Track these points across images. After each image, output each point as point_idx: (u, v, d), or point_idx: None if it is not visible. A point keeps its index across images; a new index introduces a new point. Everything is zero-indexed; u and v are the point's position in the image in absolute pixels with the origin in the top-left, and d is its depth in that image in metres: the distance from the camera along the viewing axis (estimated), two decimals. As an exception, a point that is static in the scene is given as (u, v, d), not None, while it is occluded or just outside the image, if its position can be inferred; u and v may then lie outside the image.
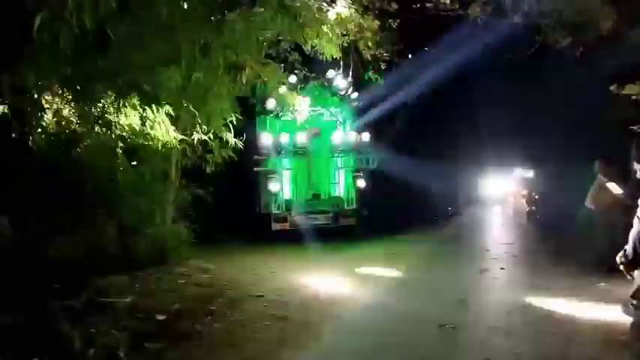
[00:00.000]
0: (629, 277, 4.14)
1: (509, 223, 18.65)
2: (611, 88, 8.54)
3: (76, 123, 6.19)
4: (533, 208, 17.43)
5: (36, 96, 5.50)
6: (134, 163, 7.65)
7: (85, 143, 6.43)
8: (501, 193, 25.49)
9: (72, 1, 4.42)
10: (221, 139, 9.48)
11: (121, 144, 7.37)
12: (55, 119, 5.82)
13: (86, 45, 5.41)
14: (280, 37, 8.23)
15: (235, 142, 9.77)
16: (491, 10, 7.63)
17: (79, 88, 6.16)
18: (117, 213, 6.96)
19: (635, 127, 8.63)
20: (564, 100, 14.65)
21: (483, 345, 5.15)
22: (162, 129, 7.98)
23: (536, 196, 16.98)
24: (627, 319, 4.65)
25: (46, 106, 6.07)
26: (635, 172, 6.00)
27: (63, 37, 4.65)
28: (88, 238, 6.47)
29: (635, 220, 3.97)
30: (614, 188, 6.70)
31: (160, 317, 5.80)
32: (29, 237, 5.93)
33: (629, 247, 3.95)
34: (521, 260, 9.90)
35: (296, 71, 9.70)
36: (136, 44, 6.23)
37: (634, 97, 8.09)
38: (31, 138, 5.40)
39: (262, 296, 7.12)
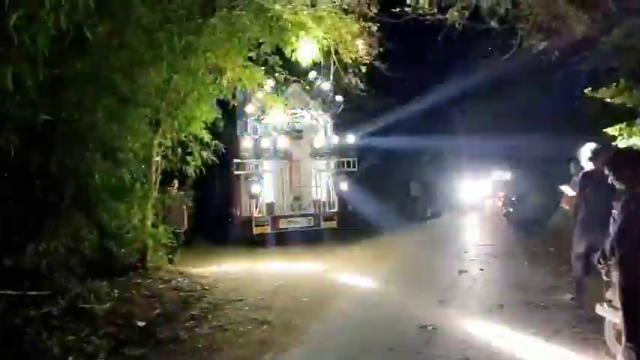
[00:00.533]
0: (605, 277, 4.23)
1: (488, 224, 18.89)
2: (586, 91, 8.72)
3: (53, 125, 6.07)
4: (510, 209, 17.69)
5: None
6: (113, 166, 7.55)
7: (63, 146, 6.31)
8: (479, 195, 25.81)
9: (49, 1, 4.37)
10: (201, 141, 9.44)
11: (99, 147, 7.27)
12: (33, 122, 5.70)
13: (63, 46, 5.33)
14: (261, 41, 8.22)
15: (216, 145, 9.73)
16: (469, 14, 7.73)
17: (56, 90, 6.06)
18: (96, 217, 6.86)
19: (608, 129, 8.83)
20: (541, 102, 14.96)
21: (464, 345, 5.22)
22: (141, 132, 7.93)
23: (514, 198, 17.21)
24: (603, 318, 4.76)
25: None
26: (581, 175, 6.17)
27: (40, 38, 4.59)
28: (67, 243, 6.36)
29: (611, 220, 4.07)
30: (567, 190, 6.90)
31: (140, 323, 5.74)
32: (7, 243, 5.81)
33: (606, 248, 4.03)
34: (498, 261, 10.04)
35: (276, 74, 9.70)
36: (115, 46, 6.17)
37: (608, 100, 8.28)
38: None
39: (243, 300, 7.10)
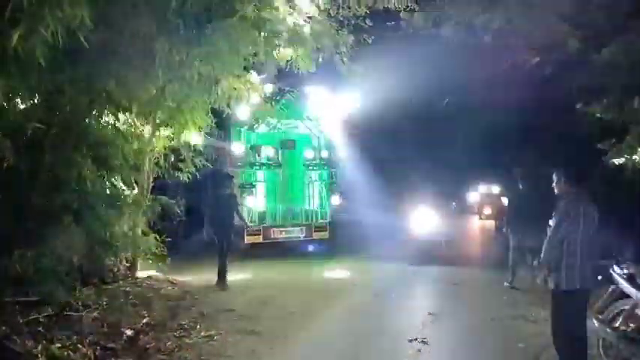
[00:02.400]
0: (538, 281, 4.44)
1: (482, 235, 18.93)
2: (578, 106, 8.83)
3: (44, 132, 6.04)
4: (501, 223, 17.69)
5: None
6: (104, 173, 7.51)
7: (54, 153, 6.27)
8: (472, 207, 25.85)
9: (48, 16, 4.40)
10: (194, 149, 9.43)
11: (90, 153, 7.25)
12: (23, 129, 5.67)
13: (57, 53, 5.32)
14: (256, 51, 8.24)
15: (208, 153, 9.72)
16: (463, 29, 7.81)
17: (49, 96, 6.03)
18: (85, 224, 6.80)
19: (599, 145, 8.93)
20: (536, 115, 15.03)
21: (453, 358, 5.22)
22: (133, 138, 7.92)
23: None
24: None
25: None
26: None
27: (39, 51, 4.60)
28: (55, 250, 6.30)
29: (548, 229, 4.25)
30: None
31: (128, 332, 5.69)
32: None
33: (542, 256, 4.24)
34: (492, 274, 10.04)
35: (271, 84, 9.71)
36: (110, 54, 6.16)
37: (598, 115, 8.38)
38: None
39: (233, 310, 7.06)
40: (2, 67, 4.65)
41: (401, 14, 7.78)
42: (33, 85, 4.91)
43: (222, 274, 8.83)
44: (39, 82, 5.03)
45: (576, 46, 7.80)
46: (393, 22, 8.06)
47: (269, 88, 10.23)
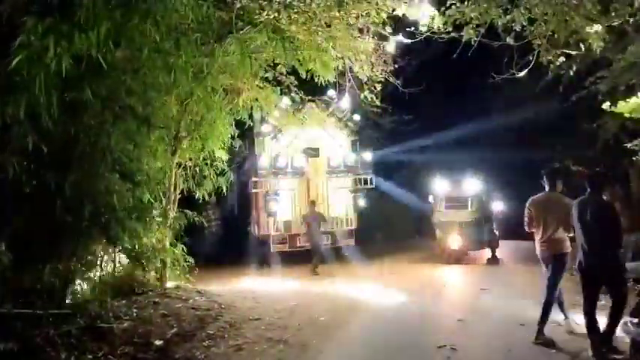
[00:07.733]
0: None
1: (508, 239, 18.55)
2: (604, 106, 8.63)
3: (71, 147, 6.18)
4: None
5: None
6: (131, 187, 7.65)
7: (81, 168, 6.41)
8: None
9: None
10: (220, 161, 9.54)
11: (117, 168, 7.38)
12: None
13: (80, 70, 5.46)
14: (276, 61, 8.33)
15: (231, 168, 9.83)
16: (485, 32, 7.71)
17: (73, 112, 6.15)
18: (114, 237, 6.94)
19: (629, 145, 8.72)
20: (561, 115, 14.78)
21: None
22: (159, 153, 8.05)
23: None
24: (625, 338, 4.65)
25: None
26: None
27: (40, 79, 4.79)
28: (85, 262, 6.44)
29: None
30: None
31: (158, 342, 5.77)
32: (26, 262, 5.91)
33: None
34: (524, 277, 9.85)
35: (292, 93, 9.78)
36: (131, 70, 6.29)
37: (625, 115, 8.18)
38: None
39: (260, 319, 7.09)
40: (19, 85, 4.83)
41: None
42: (52, 104, 5.06)
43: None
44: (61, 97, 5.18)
45: (600, 45, 7.62)
46: (412, 28, 8.01)
47: (289, 100, 10.32)
